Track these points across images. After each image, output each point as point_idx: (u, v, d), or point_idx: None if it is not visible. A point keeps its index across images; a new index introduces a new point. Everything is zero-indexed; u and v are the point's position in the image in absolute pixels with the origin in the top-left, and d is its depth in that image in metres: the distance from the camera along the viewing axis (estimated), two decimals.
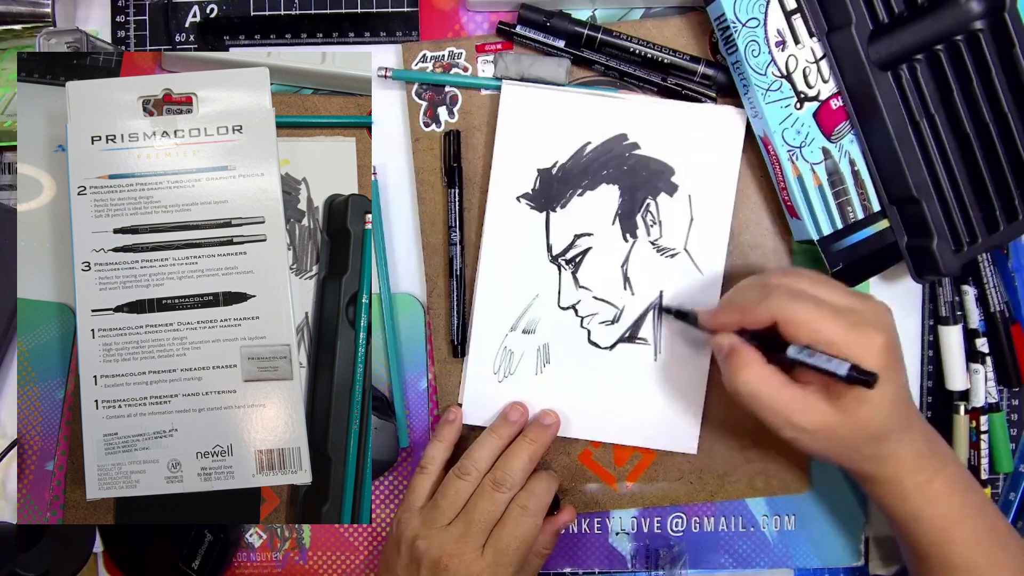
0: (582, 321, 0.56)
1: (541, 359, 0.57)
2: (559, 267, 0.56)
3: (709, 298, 0.56)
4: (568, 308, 0.56)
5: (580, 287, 0.56)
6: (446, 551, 0.50)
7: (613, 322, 0.56)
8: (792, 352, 0.44)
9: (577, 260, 0.56)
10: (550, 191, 0.56)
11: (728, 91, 0.55)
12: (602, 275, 0.56)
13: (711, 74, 0.55)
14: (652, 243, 0.56)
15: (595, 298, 0.56)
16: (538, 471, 0.54)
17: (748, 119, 0.54)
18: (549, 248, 0.56)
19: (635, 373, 0.56)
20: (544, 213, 0.56)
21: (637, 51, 0.55)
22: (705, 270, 0.56)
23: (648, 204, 0.56)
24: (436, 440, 0.55)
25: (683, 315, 0.53)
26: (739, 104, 0.54)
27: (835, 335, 0.44)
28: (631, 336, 0.56)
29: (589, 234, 0.56)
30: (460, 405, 0.57)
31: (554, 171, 0.56)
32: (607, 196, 0.56)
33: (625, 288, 0.56)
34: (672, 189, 0.56)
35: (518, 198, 0.56)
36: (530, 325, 0.56)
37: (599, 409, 0.57)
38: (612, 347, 0.56)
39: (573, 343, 0.56)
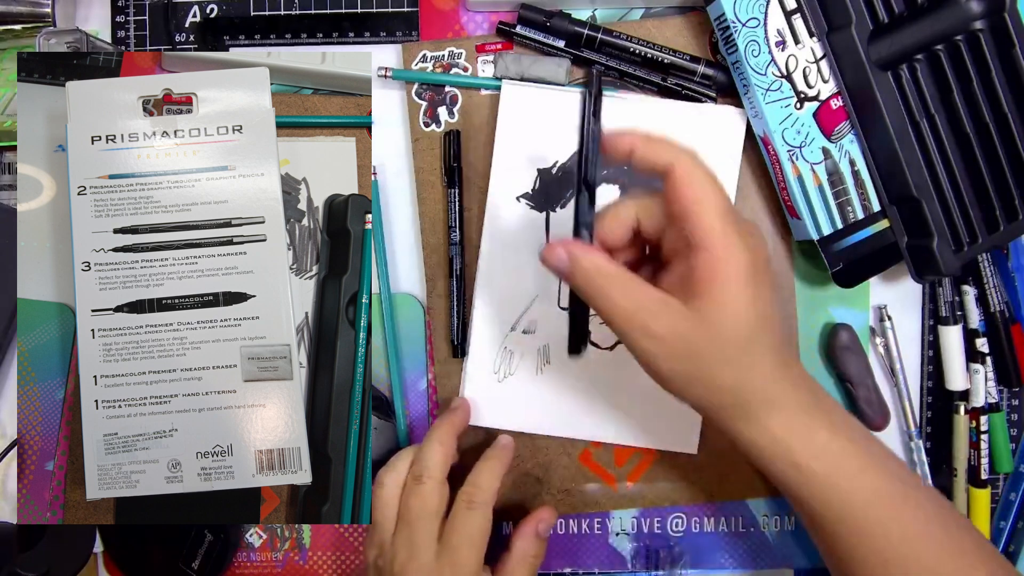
0: None
1: (541, 359, 0.57)
2: None
3: None
4: (568, 308, 0.56)
5: None
6: (399, 560, 0.47)
7: None
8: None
9: None
10: (550, 191, 0.56)
11: (728, 91, 0.55)
12: None
13: (711, 74, 0.55)
14: None
15: None
16: (482, 460, 0.51)
17: (748, 119, 0.54)
18: None
19: (636, 373, 0.55)
20: (544, 213, 0.56)
21: (637, 51, 0.55)
22: None
23: None
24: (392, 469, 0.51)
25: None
26: (739, 104, 0.54)
27: (716, 220, 0.39)
28: None
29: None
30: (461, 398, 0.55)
31: (554, 171, 0.56)
32: (607, 197, 0.56)
33: None
34: None
35: (518, 198, 0.56)
36: (530, 325, 0.56)
37: (600, 409, 0.57)
38: (612, 347, 0.56)
39: None
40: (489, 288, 0.56)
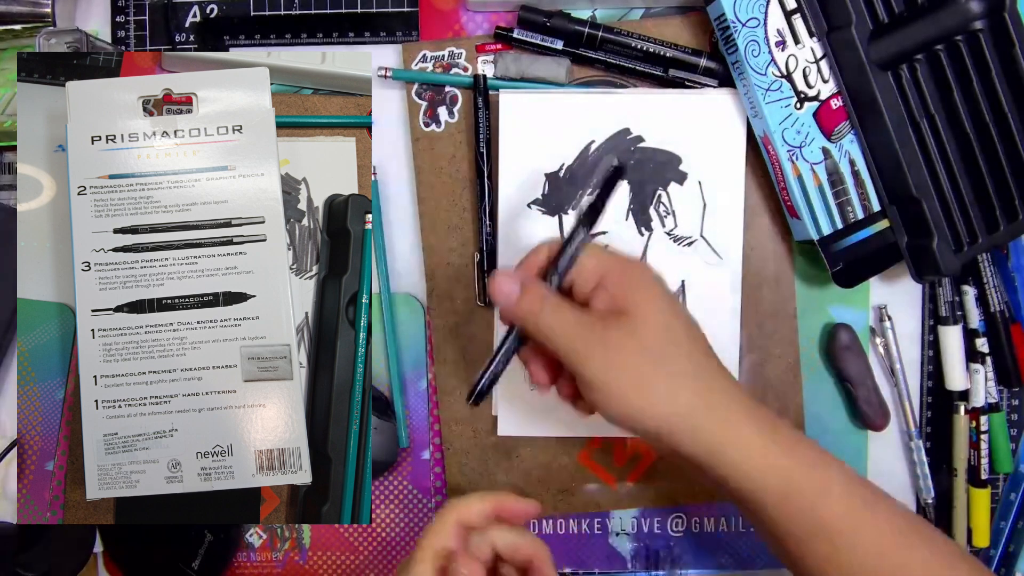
0: None
1: None
2: None
3: (731, 282, 0.56)
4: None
5: None
6: None
7: None
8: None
9: None
10: (560, 194, 0.56)
11: (731, 84, 0.55)
12: None
13: (713, 67, 0.55)
14: (668, 234, 0.56)
15: None
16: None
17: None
18: None
19: None
20: (557, 217, 0.56)
21: (639, 47, 0.55)
22: (724, 254, 0.56)
23: (659, 195, 0.56)
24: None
25: (477, 393, 0.46)
26: None
27: (614, 260, 0.43)
28: None
29: (604, 232, 0.56)
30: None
31: (561, 174, 0.56)
32: (617, 192, 0.55)
33: None
34: (681, 178, 0.55)
35: (529, 205, 0.56)
36: None
37: None
38: None
39: None
40: None
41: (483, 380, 0.45)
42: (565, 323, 0.42)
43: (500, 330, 0.56)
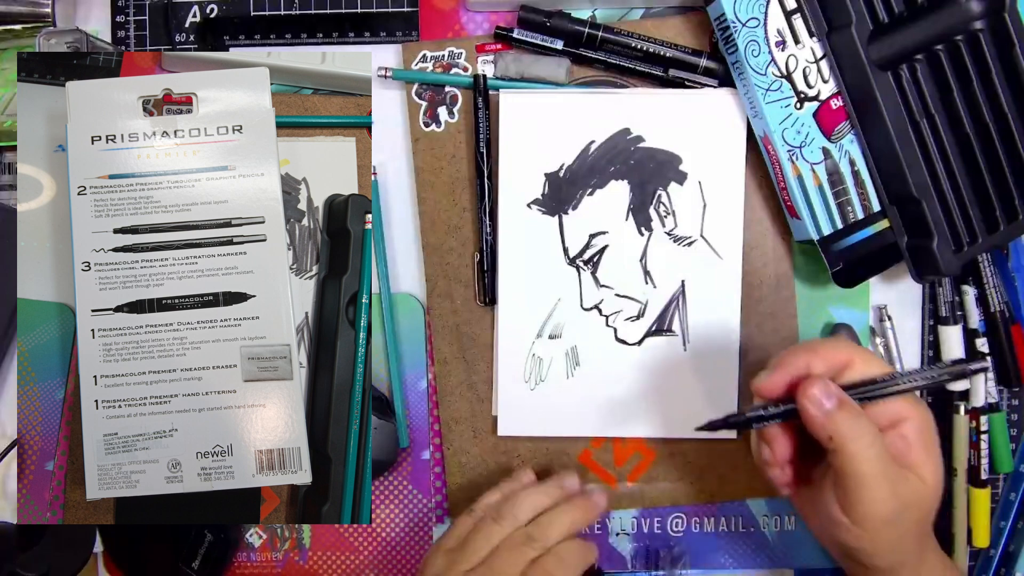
0: (607, 320, 0.56)
1: (571, 362, 0.56)
2: (578, 269, 0.56)
3: (731, 282, 0.56)
4: (591, 308, 0.56)
5: (601, 286, 0.56)
6: None
7: (638, 317, 0.56)
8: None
9: (595, 260, 0.56)
10: (559, 194, 0.56)
11: (731, 84, 0.55)
12: (622, 271, 0.56)
13: (713, 67, 0.55)
14: (668, 234, 0.56)
15: (617, 295, 0.56)
16: (575, 538, 0.50)
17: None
18: (565, 251, 0.56)
19: (666, 365, 0.56)
20: (556, 217, 0.56)
21: (639, 47, 0.55)
22: (724, 254, 0.56)
23: (659, 195, 0.56)
24: (497, 490, 0.52)
25: (722, 423, 0.47)
26: None
27: (918, 413, 0.46)
28: (658, 329, 0.56)
29: (604, 232, 0.56)
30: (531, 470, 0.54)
31: (561, 173, 0.56)
32: (617, 192, 0.56)
33: (646, 282, 0.56)
34: (681, 178, 0.55)
35: (528, 204, 0.56)
36: (555, 330, 0.56)
37: (634, 405, 0.56)
38: (640, 342, 0.56)
39: (601, 343, 0.56)
40: (511, 297, 0.56)
41: (729, 420, 0.47)
42: (874, 459, 0.43)
43: (509, 333, 0.56)
